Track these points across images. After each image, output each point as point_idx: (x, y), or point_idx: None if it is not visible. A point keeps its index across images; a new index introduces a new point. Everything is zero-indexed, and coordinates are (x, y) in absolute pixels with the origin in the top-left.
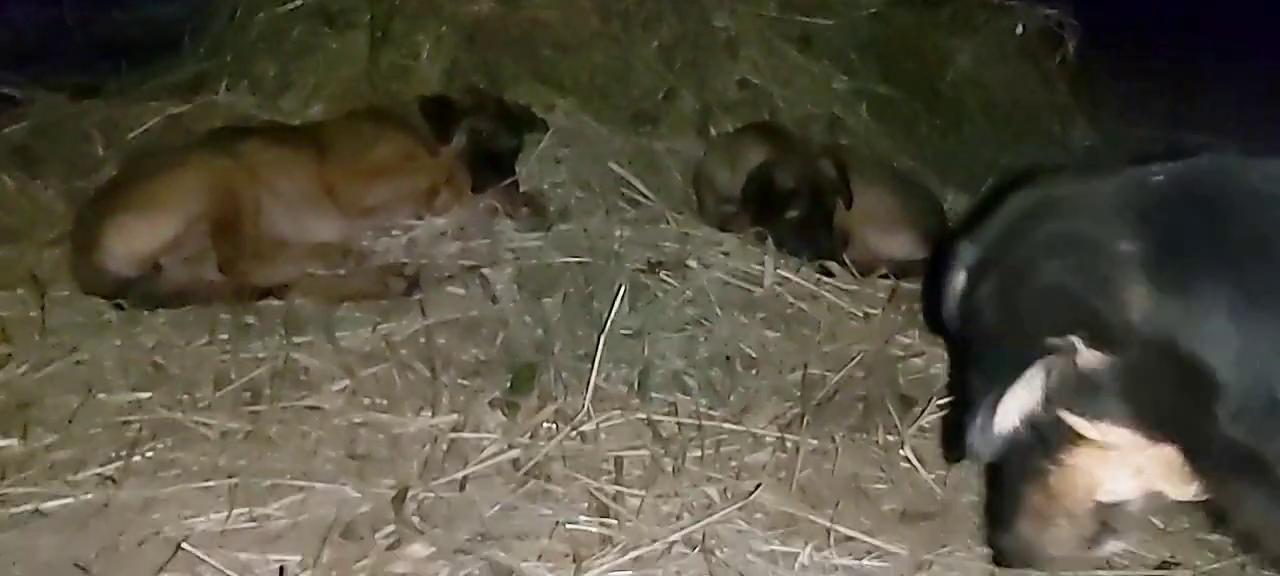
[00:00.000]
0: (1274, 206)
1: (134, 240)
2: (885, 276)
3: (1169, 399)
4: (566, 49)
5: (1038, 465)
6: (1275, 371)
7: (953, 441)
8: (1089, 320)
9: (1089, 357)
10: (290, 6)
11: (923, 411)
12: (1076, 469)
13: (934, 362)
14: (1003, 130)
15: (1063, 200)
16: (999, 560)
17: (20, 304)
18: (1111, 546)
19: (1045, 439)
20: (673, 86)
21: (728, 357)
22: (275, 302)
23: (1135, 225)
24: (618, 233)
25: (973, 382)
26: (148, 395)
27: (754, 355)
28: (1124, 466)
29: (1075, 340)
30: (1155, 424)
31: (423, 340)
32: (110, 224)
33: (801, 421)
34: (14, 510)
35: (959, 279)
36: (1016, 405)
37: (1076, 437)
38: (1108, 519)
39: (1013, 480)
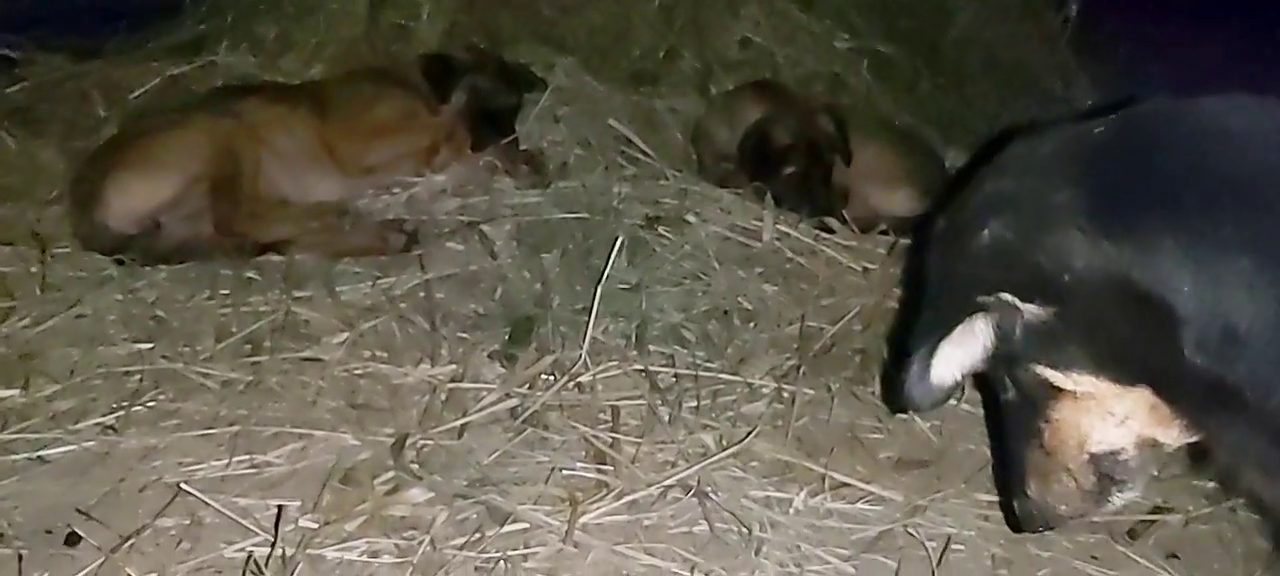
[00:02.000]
0: (1210, 140)
1: (133, 198)
2: (885, 232)
3: (1129, 338)
4: (566, 9)
5: (1031, 425)
6: (1229, 297)
7: (891, 393)
8: (1023, 274)
9: (1034, 310)
10: None
11: None
12: (1064, 422)
13: None
14: (1004, 89)
15: (1007, 160)
16: (1016, 527)
17: (21, 260)
18: (1119, 498)
19: (1032, 398)
20: (673, 45)
21: (726, 311)
22: (276, 258)
23: (1075, 175)
24: (616, 189)
25: (912, 338)
26: (149, 346)
27: (752, 309)
28: (1108, 415)
29: (1006, 295)
30: (1121, 367)
31: (422, 294)
32: (110, 181)
33: (798, 372)
34: (15, 457)
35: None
36: (953, 358)
37: (1056, 391)
38: (1108, 470)
39: (1014, 444)
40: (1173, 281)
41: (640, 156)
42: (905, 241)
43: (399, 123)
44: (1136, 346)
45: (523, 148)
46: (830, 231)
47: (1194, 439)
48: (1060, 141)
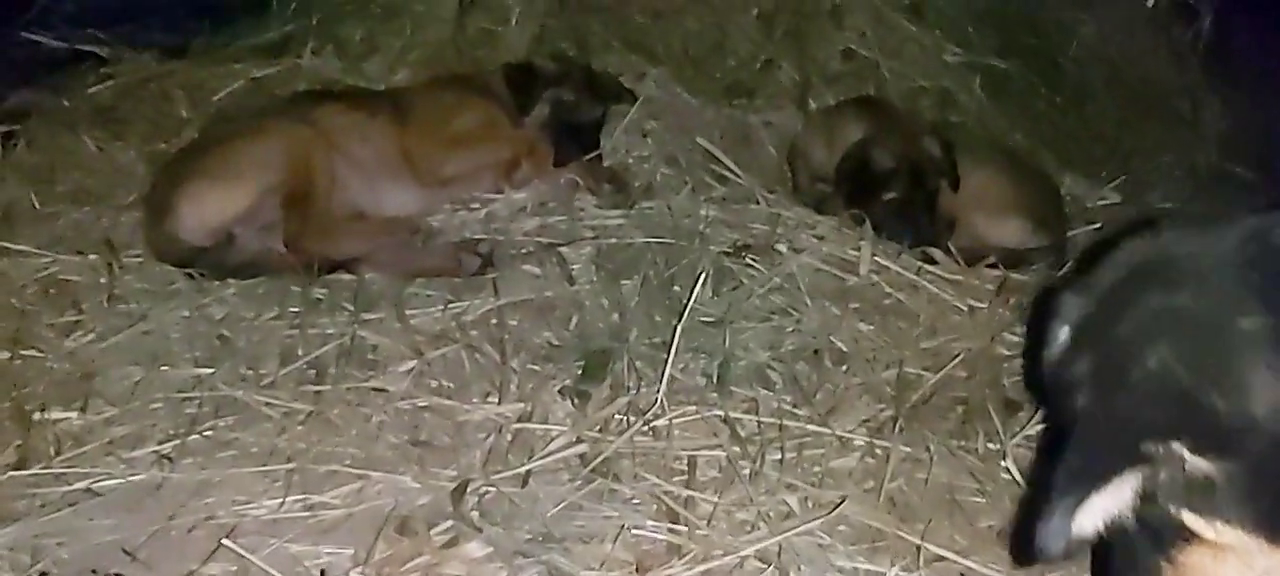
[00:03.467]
0: None
1: (206, 209)
2: (993, 266)
3: None
4: (660, 15)
5: (1150, 561)
6: None
7: (1022, 539)
8: (1199, 421)
9: (1199, 463)
10: None
11: (1029, 419)
12: (1192, 568)
13: None
14: (1127, 110)
15: (1176, 261)
16: None
17: (91, 270)
18: None
19: (1156, 533)
20: (771, 56)
21: (816, 351)
22: (347, 277)
23: (1260, 294)
24: (704, 212)
25: (1056, 474)
26: (210, 371)
27: (845, 349)
28: (1247, 569)
29: (1179, 447)
30: None
31: (494, 321)
32: (183, 192)
33: (894, 426)
34: (67, 488)
35: (1061, 335)
36: (1100, 511)
37: (1191, 535)
38: None
39: (1122, 569)
40: None
41: (730, 176)
42: (1017, 276)
43: (480, 134)
44: None
45: (607, 163)
46: (933, 262)
47: None
48: (1243, 243)
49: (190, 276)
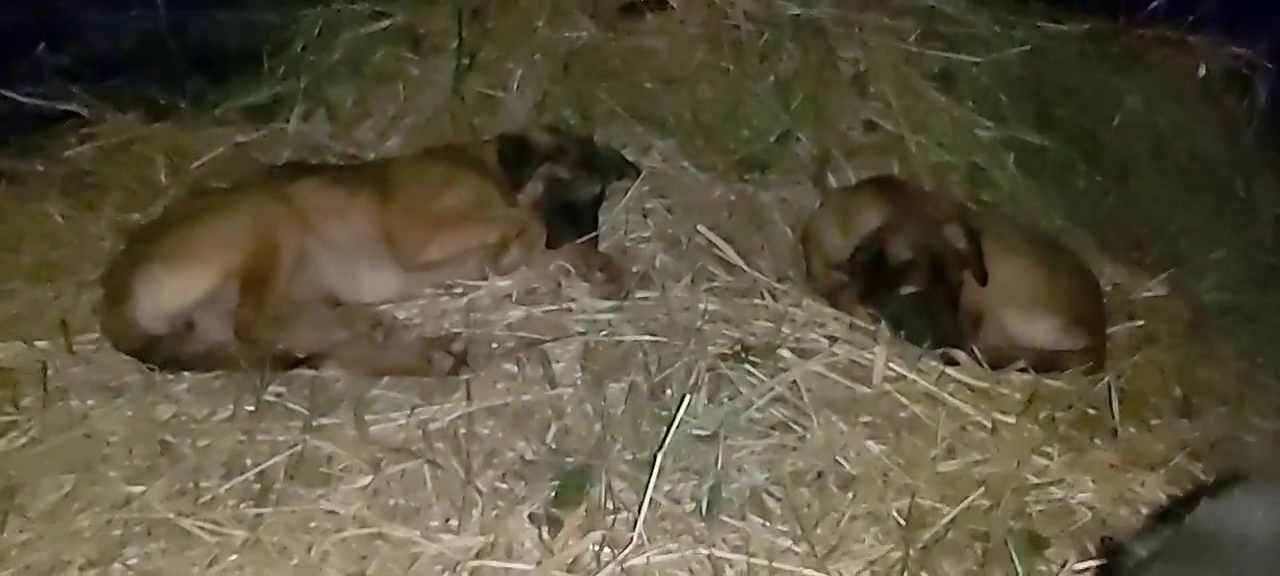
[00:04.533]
0: None
1: (164, 295)
2: (1023, 370)
3: None
4: (672, 81)
5: None
6: None
7: None
8: None
9: None
10: (378, 27)
11: (1063, 567)
12: None
13: (1076, 491)
14: (1175, 188)
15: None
16: None
17: (40, 358)
18: None
19: None
20: (788, 128)
21: (820, 474)
22: (309, 373)
23: None
24: (703, 306)
25: None
26: (144, 489)
27: (853, 473)
28: None
29: None
30: None
31: (463, 431)
32: (140, 277)
33: (902, 571)
34: None
35: None
36: None
37: None
38: None
39: None
40: None
41: (735, 264)
42: (1050, 382)
43: (467, 214)
44: None
45: (604, 244)
46: (954, 363)
47: None
48: None
49: (146, 369)
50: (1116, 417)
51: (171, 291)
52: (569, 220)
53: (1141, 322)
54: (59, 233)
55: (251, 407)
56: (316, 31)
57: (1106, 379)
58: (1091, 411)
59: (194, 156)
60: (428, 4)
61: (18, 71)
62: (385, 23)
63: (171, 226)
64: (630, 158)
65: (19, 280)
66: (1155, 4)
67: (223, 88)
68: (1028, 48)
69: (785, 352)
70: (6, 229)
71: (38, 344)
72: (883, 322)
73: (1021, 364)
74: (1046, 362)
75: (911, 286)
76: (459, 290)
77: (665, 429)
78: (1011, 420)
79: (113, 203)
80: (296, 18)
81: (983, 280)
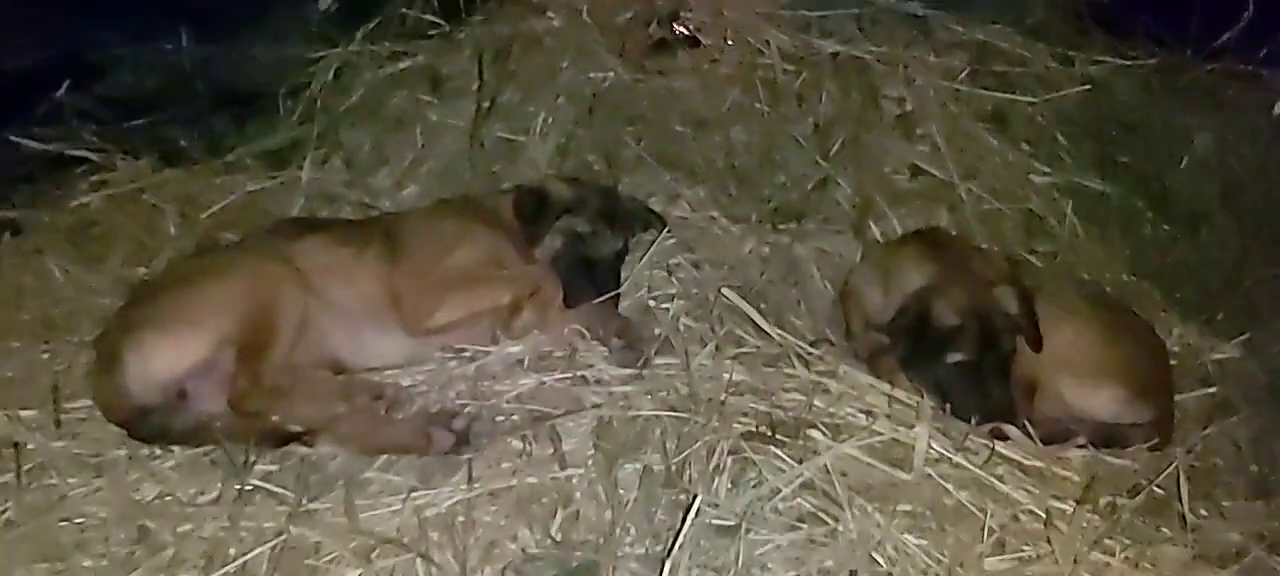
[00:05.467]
0: None
1: (154, 364)
2: (1082, 447)
3: None
4: (703, 124)
5: None
6: None
7: None
8: None
9: None
10: (397, 67)
11: None
12: None
13: None
14: (1250, 238)
15: None
16: None
17: (26, 429)
18: None
19: None
20: (828, 174)
21: (852, 573)
22: (303, 450)
23: None
24: (728, 376)
25: None
26: None
27: (890, 572)
28: None
29: None
30: None
31: (461, 519)
32: (130, 342)
33: None
34: None
35: None
36: None
37: None
38: None
39: None
40: None
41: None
42: (1110, 460)
43: (479, 274)
44: None
45: (626, 303)
46: (1004, 437)
47: None
48: None
49: (132, 440)
50: (1185, 503)
51: (162, 360)
52: (588, 277)
53: (1214, 389)
54: (59, 288)
55: (238, 488)
56: (334, 73)
57: (1175, 460)
58: (1159, 492)
59: (205, 205)
60: (450, 44)
61: (37, 113)
62: (405, 63)
63: (165, 289)
64: (657, 207)
65: (16, 339)
66: (1227, 36)
67: (241, 130)
68: (1088, 86)
69: (816, 432)
70: (7, 285)
71: (25, 413)
72: (925, 396)
73: (1080, 440)
74: (1108, 438)
75: (958, 354)
76: (468, 354)
77: (681, 518)
78: (1068, 508)
79: (119, 254)
80: (317, 57)
81: (1037, 347)
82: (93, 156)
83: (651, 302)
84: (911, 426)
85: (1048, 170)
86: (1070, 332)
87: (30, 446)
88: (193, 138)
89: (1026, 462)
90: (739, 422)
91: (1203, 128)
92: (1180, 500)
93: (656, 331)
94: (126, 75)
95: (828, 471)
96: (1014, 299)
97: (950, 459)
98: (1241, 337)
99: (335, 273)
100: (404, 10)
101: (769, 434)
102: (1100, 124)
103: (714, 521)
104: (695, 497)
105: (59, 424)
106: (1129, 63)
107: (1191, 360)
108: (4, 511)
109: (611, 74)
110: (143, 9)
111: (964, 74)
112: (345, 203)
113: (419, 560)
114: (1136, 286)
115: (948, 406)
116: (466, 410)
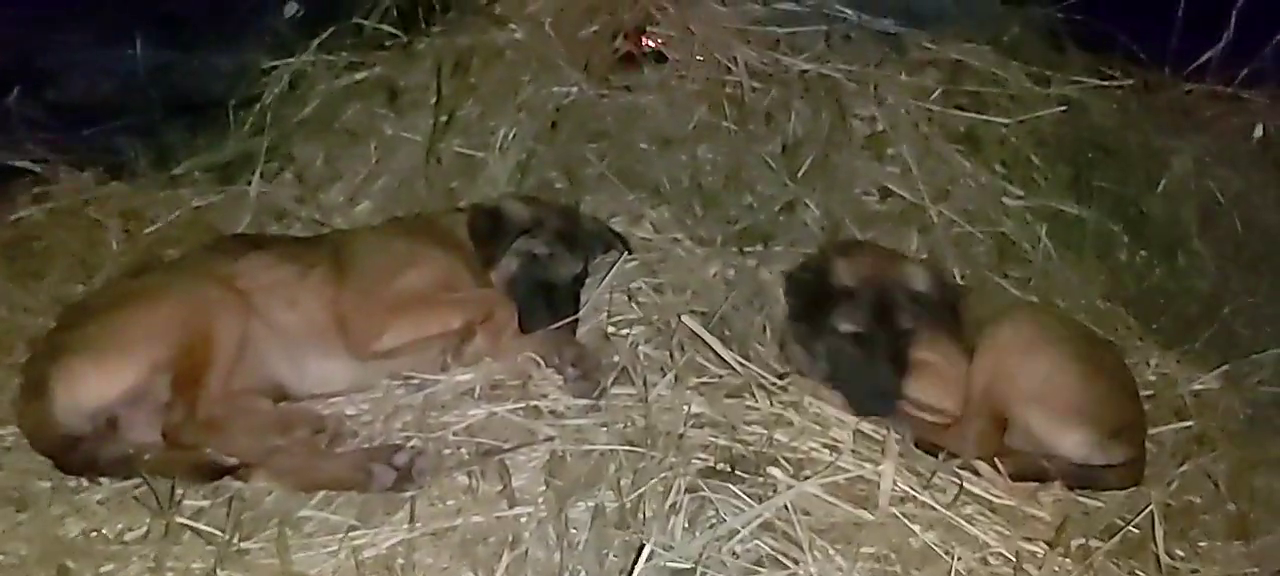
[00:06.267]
0: None
1: (82, 391)
2: (1069, 488)
3: None
4: (668, 142)
5: None
6: None
7: None
8: None
9: None
10: (354, 78)
11: None
12: None
13: None
14: (1231, 259)
15: None
16: None
17: None
18: None
19: None
20: (796, 195)
21: None
22: (236, 485)
23: None
24: (687, 408)
25: None
26: None
27: None
28: None
29: None
30: None
31: (401, 561)
32: (58, 369)
33: None
34: None
35: None
36: None
37: None
38: None
39: None
40: None
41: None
42: (1083, 499)
43: (428, 297)
44: None
45: (584, 328)
46: (975, 472)
47: None
48: None
49: (58, 471)
50: (1160, 545)
51: (91, 388)
52: (545, 302)
53: (1191, 423)
54: None
55: (166, 524)
56: (288, 83)
57: (1150, 499)
58: (1134, 532)
59: (149, 220)
60: (408, 56)
61: None
62: (361, 75)
63: (97, 312)
64: (620, 228)
65: None
66: (1207, 56)
67: (192, 141)
68: (1064, 106)
69: (776, 471)
70: None
71: None
72: (890, 434)
73: (1054, 486)
74: (1080, 478)
75: (848, 323)
76: (416, 382)
77: (633, 560)
78: (1040, 550)
79: (58, 271)
80: (270, 67)
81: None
82: (35, 168)
83: (611, 329)
84: (876, 463)
85: (1021, 193)
86: (1042, 365)
87: None
88: (141, 149)
89: (996, 501)
90: (697, 458)
91: (1181, 150)
92: (1155, 541)
93: (615, 360)
94: (79, 81)
95: (789, 510)
96: (929, 281)
97: (917, 497)
98: (1220, 368)
99: (278, 293)
100: (361, 20)
101: (728, 470)
102: (1076, 145)
103: (668, 564)
104: (647, 541)
105: None
106: (1106, 83)
107: (1168, 391)
108: None
109: (575, 89)
110: (102, 13)
111: (936, 93)
112: (295, 219)
113: None
114: (1112, 313)
115: (832, 383)
116: (412, 443)
